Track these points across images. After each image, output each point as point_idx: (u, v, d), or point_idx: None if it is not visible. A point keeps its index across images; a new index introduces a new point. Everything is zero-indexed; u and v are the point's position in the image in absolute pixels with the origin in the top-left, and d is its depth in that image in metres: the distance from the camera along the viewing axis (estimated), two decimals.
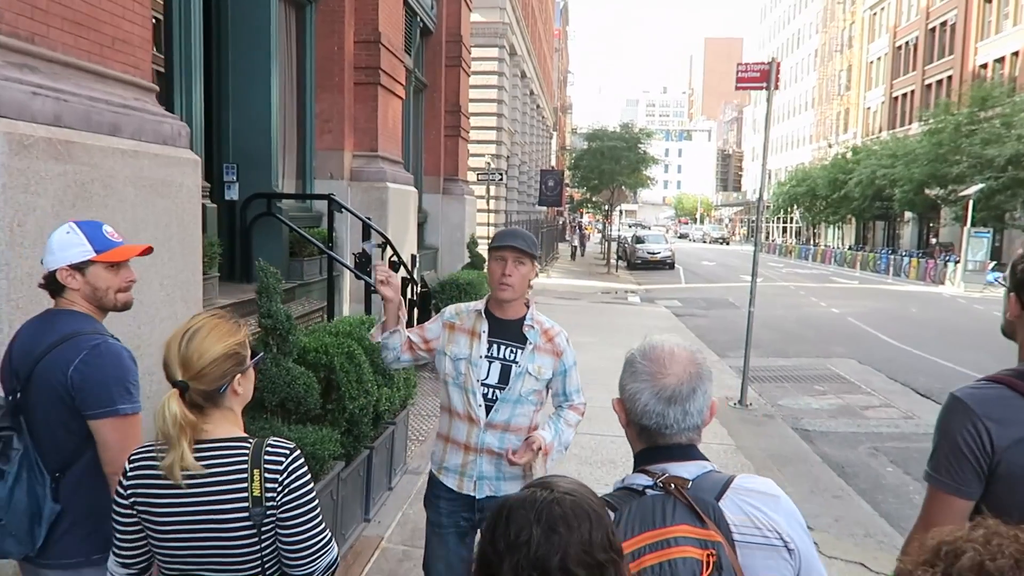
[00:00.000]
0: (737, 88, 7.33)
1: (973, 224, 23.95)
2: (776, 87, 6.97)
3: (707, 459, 1.46)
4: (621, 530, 1.28)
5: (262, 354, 1.87)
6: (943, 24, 40.59)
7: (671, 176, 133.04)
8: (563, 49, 68.37)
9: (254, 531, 1.64)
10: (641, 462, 1.46)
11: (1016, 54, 33.40)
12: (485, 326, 2.70)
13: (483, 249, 14.41)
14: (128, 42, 3.75)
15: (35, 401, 2.04)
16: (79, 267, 2.10)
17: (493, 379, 2.66)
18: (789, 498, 1.41)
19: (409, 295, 8.14)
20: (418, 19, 12.05)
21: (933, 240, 37.74)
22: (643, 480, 1.40)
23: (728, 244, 71.53)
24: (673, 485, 1.35)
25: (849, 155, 42.55)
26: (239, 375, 1.72)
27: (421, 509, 2.94)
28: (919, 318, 15.30)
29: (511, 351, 2.69)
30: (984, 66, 36.18)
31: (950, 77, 39.28)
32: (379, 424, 4.69)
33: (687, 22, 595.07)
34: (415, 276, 8.84)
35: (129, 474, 1.68)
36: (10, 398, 2.07)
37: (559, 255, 37.77)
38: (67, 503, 2.04)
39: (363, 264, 7.04)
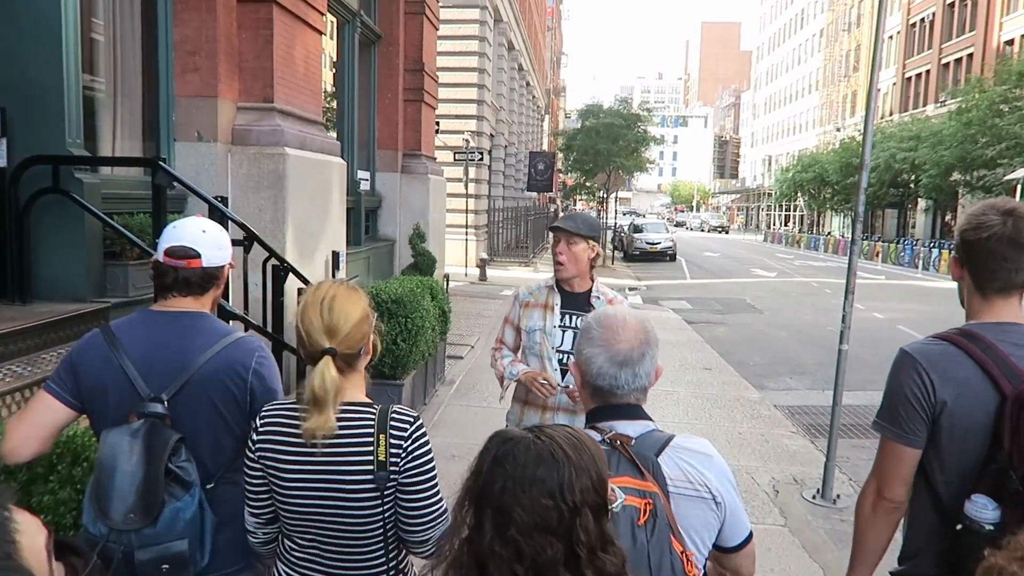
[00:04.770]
0: None
1: None
2: None
3: (651, 419, 1.58)
4: None
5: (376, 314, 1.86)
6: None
7: (666, 163, 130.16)
8: (556, 29, 65.33)
9: (377, 494, 1.67)
10: (592, 419, 1.59)
11: None
12: (558, 299, 3.02)
13: (436, 243, 11.48)
14: None
15: (195, 408, 1.90)
16: (231, 265, 2.13)
17: (567, 346, 2.92)
18: (721, 457, 1.55)
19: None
20: None
21: (941, 228, 35.17)
22: (593, 435, 1.47)
23: (727, 233, 68.74)
24: (619, 442, 1.48)
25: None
26: (372, 335, 1.79)
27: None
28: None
29: (582, 320, 2.62)
30: (1010, 42, 33.45)
31: (971, 55, 36.55)
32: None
33: (683, 6, 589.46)
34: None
35: (260, 430, 1.74)
36: (159, 405, 1.85)
37: (549, 245, 34.92)
38: (220, 512, 1.92)
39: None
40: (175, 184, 4.27)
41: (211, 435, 1.91)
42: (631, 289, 18.95)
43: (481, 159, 18.33)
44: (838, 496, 4.78)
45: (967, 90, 27.65)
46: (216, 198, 4.39)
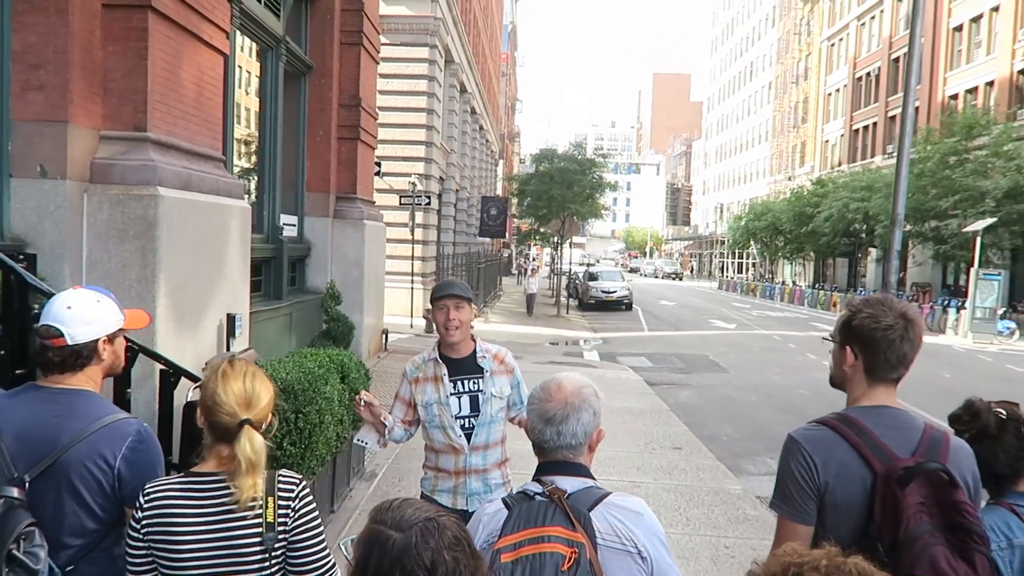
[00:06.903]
0: None
1: (981, 265, 20.90)
2: None
3: (592, 477, 1.76)
4: (511, 523, 1.63)
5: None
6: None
7: (620, 209, 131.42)
8: (511, 74, 65.39)
9: (265, 555, 1.75)
10: (538, 473, 1.77)
11: (991, 84, 31.31)
12: (444, 370, 3.11)
13: (374, 295, 10.04)
14: None
15: (57, 491, 1.88)
16: (112, 336, 2.04)
17: (465, 411, 3.09)
18: (654, 516, 1.71)
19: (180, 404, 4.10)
20: None
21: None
22: (535, 488, 1.72)
23: (681, 279, 68.74)
24: (556, 495, 1.65)
25: (810, 187, 40.05)
26: (271, 415, 1.92)
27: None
28: (958, 388, 11.57)
29: (474, 383, 3.10)
30: (955, 97, 34.14)
31: (916, 108, 37.17)
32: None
33: (636, 57, 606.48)
34: (216, 360, 4.80)
35: (146, 508, 1.74)
36: (15, 489, 1.81)
37: (502, 292, 33.80)
38: None
39: None
40: None
41: (75, 519, 1.87)
42: (586, 342, 17.91)
43: (428, 203, 17.27)
44: None
45: (916, 142, 27.81)
46: (18, 257, 3.14)
